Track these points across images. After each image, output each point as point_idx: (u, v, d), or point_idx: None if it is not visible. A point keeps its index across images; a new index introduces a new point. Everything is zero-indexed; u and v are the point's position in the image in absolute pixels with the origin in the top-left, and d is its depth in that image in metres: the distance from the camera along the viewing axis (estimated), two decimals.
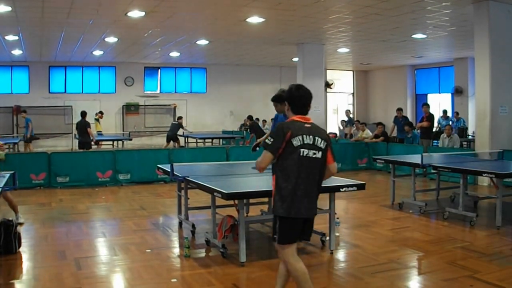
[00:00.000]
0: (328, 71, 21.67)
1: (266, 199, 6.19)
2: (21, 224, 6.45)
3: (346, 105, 23.32)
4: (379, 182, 10.87)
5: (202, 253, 5.46)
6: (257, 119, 18.65)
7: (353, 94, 24.04)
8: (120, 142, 16.41)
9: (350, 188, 5.23)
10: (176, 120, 16.80)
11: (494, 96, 9.65)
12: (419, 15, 10.73)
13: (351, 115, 20.06)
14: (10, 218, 5.70)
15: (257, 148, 6.19)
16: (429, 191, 9.05)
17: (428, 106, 12.75)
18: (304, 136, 3.50)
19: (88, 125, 13.21)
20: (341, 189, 5.22)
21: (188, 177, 5.71)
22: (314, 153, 3.51)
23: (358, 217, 7.39)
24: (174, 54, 17.44)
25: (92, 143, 13.58)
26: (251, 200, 6.20)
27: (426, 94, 21.32)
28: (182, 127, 16.41)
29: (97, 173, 10.18)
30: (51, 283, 4.41)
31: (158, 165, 7.19)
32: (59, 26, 11.75)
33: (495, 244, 5.65)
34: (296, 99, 3.64)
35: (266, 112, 19.52)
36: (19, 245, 5.41)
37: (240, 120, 20.88)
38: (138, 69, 20.46)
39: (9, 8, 9.60)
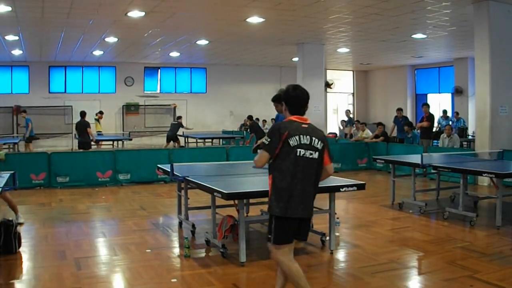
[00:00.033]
0: (328, 71, 21.67)
1: (266, 199, 6.10)
2: (21, 224, 6.45)
3: (346, 105, 23.32)
4: (379, 182, 10.87)
5: (202, 253, 5.46)
6: (257, 119, 18.65)
7: (353, 94, 24.05)
8: (120, 142, 16.40)
9: (350, 188, 5.24)
10: (175, 120, 16.80)
11: (494, 96, 9.65)
12: (419, 15, 10.73)
13: (351, 115, 20.05)
14: (10, 218, 5.70)
15: (258, 150, 6.19)
16: (429, 191, 9.05)
17: (428, 106, 12.75)
18: (301, 136, 3.51)
19: (88, 125, 13.20)
20: (341, 189, 5.23)
21: (188, 177, 5.71)
22: (311, 154, 3.52)
23: (358, 217, 7.39)
24: (174, 54, 17.44)
25: (92, 142, 13.57)
26: (251, 200, 6.19)
27: (426, 94, 21.33)
28: (183, 126, 16.39)
29: (97, 173, 10.18)
30: (51, 283, 4.41)
31: (158, 165, 7.19)
32: (59, 26, 11.75)
33: (495, 244, 5.65)
34: (293, 100, 3.65)
35: (266, 112, 19.53)
36: (19, 245, 5.41)
37: (240, 120, 20.88)
38: (138, 69, 20.46)
39: (9, 8, 9.60)
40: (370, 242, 5.79)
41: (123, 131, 19.78)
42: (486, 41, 9.61)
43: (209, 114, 21.46)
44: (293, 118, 3.60)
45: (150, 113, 20.69)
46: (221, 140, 18.12)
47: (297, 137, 3.49)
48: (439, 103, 20.04)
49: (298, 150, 3.48)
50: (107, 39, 13.82)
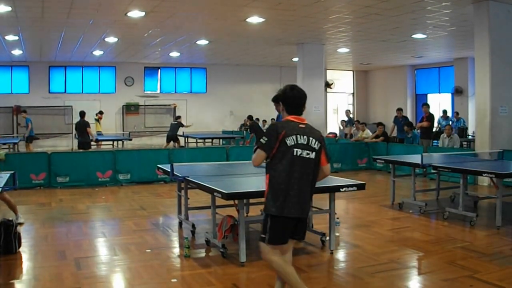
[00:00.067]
0: (328, 71, 21.67)
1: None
2: (21, 224, 6.44)
3: (346, 105, 23.33)
4: (379, 182, 10.87)
5: (202, 253, 5.46)
6: (257, 119, 18.66)
7: (353, 94, 24.05)
8: (120, 142, 16.42)
9: (350, 188, 5.24)
10: (175, 120, 16.79)
11: (494, 96, 9.65)
12: (419, 15, 10.73)
13: (351, 115, 20.06)
14: (10, 218, 5.70)
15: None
16: (429, 191, 9.05)
17: (428, 106, 12.75)
18: (298, 136, 3.52)
19: (87, 124, 13.20)
20: (341, 189, 5.23)
21: (188, 177, 5.71)
22: (308, 153, 3.54)
23: (358, 217, 7.40)
24: (174, 54, 17.45)
25: (93, 142, 13.57)
26: (251, 200, 6.19)
27: (426, 94, 21.33)
28: (183, 126, 16.38)
29: (97, 173, 10.18)
30: (51, 283, 4.41)
31: (158, 165, 7.19)
32: (59, 26, 11.75)
33: (495, 244, 5.65)
34: (290, 100, 3.66)
35: (266, 112, 19.54)
36: (19, 245, 5.41)
37: (240, 120, 20.88)
38: (138, 69, 20.46)
39: (9, 8, 9.60)
40: (370, 242, 5.79)
41: (123, 131, 19.78)
42: (486, 41, 9.61)
43: (209, 114, 21.45)
44: (290, 118, 3.62)
45: (150, 113, 20.69)
46: (221, 140, 18.12)
47: (294, 137, 3.51)
48: (439, 103, 20.04)
49: (295, 150, 3.50)
50: (107, 39, 13.82)
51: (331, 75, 22.45)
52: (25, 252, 5.41)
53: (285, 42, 14.83)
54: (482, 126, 9.92)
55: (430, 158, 8.02)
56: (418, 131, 12.58)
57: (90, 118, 14.52)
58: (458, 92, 18.65)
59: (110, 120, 19.66)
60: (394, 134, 14.18)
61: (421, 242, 5.78)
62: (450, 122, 16.44)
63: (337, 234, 5.67)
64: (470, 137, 16.41)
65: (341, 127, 19.56)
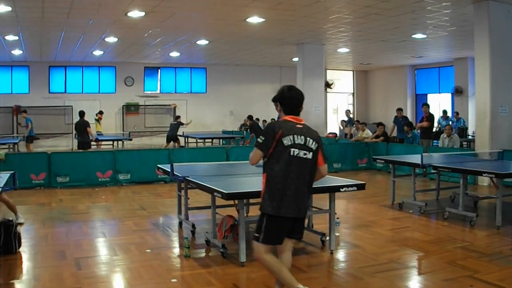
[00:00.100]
0: (328, 71, 21.67)
1: None
2: (21, 224, 6.44)
3: (346, 105, 23.32)
4: (379, 182, 10.87)
5: (202, 253, 5.46)
6: (257, 119, 18.66)
7: (353, 94, 24.05)
8: (120, 142, 16.42)
9: (350, 188, 5.24)
10: (174, 120, 16.78)
11: (494, 96, 9.65)
12: (419, 15, 10.73)
13: (351, 115, 20.05)
14: (10, 218, 5.70)
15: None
16: (429, 191, 9.05)
17: (428, 106, 12.76)
18: (295, 136, 3.54)
19: (87, 124, 13.20)
20: (341, 189, 5.23)
21: (188, 177, 5.71)
22: (305, 154, 3.55)
23: (358, 217, 7.40)
24: (174, 54, 17.44)
25: (92, 142, 13.58)
26: (251, 200, 6.18)
27: (426, 94, 21.33)
28: (182, 124, 16.37)
29: (97, 173, 10.17)
30: (51, 283, 4.41)
31: (158, 165, 7.19)
32: (59, 26, 11.75)
33: (495, 244, 5.65)
34: (288, 100, 3.69)
35: (266, 112, 19.54)
36: (19, 245, 5.41)
37: (240, 120, 20.88)
38: (138, 69, 20.46)
39: (9, 8, 9.60)
40: (370, 242, 5.79)
41: (123, 131, 19.79)
42: (486, 41, 9.61)
43: (209, 114, 21.46)
44: (288, 118, 3.64)
45: (150, 113, 20.69)
46: (221, 140, 18.12)
47: (291, 137, 3.52)
48: (439, 103, 20.04)
49: (292, 149, 3.51)
50: (107, 39, 13.82)
51: (331, 75, 22.45)
52: (25, 252, 5.41)
53: (285, 42, 14.83)
54: (482, 126, 9.92)
55: (430, 158, 8.02)
56: (418, 131, 12.59)
57: (90, 118, 14.52)
58: (458, 92, 18.65)
59: (110, 120, 19.67)
60: (394, 134, 14.19)
61: (421, 242, 5.78)
62: (450, 122, 16.44)
63: (337, 234, 5.67)
64: (470, 137, 16.41)
65: (341, 127, 19.57)
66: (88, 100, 19.26)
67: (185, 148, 15.31)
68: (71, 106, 18.94)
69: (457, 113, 17.94)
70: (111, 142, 16.18)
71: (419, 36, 13.39)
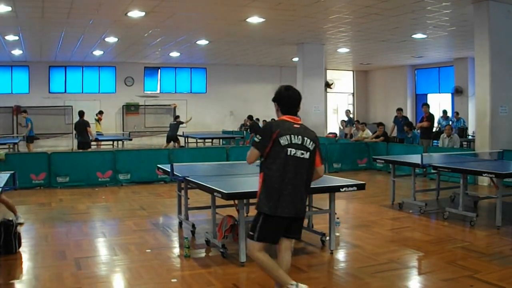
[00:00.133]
0: (328, 71, 21.67)
1: None
2: (21, 224, 6.44)
3: (346, 105, 23.33)
4: (379, 182, 10.87)
5: (202, 253, 5.46)
6: (257, 119, 18.66)
7: (353, 94, 24.05)
8: (120, 142, 16.42)
9: (350, 188, 5.23)
10: (174, 120, 16.76)
11: (494, 96, 9.65)
12: (419, 15, 10.73)
13: (351, 115, 20.06)
14: (10, 218, 5.70)
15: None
16: (429, 191, 9.05)
17: (428, 106, 12.76)
18: (292, 136, 3.55)
19: (87, 124, 13.20)
20: (341, 189, 5.22)
21: (188, 177, 5.71)
22: (302, 153, 3.56)
23: (358, 217, 7.40)
24: (174, 54, 17.45)
25: (92, 141, 13.59)
26: (251, 200, 6.17)
27: (426, 94, 21.33)
28: (182, 123, 16.35)
29: (97, 173, 10.17)
30: (51, 283, 4.41)
31: (158, 165, 7.18)
32: (59, 26, 11.75)
33: (495, 244, 5.65)
34: (285, 100, 3.69)
35: (266, 112, 19.53)
36: (19, 245, 5.41)
37: (240, 120, 20.89)
38: (138, 69, 20.46)
39: (9, 8, 9.60)
40: (370, 242, 5.79)
41: (123, 131, 19.79)
42: (486, 41, 9.61)
43: (209, 114, 21.46)
44: (285, 117, 3.65)
45: (150, 113, 20.70)
46: (221, 140, 18.12)
47: (288, 137, 3.53)
48: (439, 103, 20.04)
49: (289, 149, 3.52)
50: (107, 39, 13.83)
51: (331, 75, 22.45)
52: (25, 252, 5.41)
53: (285, 42, 14.84)
54: (482, 126, 9.92)
55: (430, 158, 8.02)
56: (418, 131, 12.59)
57: (90, 118, 14.51)
58: (458, 92, 18.65)
59: (110, 120, 19.67)
60: (394, 134, 14.19)
61: (421, 242, 5.78)
62: (450, 122, 16.44)
63: (337, 234, 5.67)
64: (470, 137, 16.41)
65: (341, 127, 19.58)
66: (88, 100, 19.25)
67: (185, 148, 15.31)
68: (71, 106, 18.94)
69: (457, 113, 17.95)
70: (111, 142, 16.19)
71: (419, 36, 13.39)
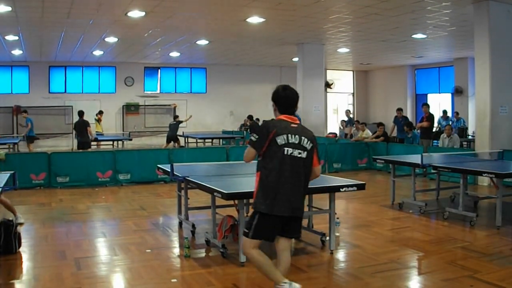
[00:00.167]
0: (328, 71, 21.67)
1: None
2: (21, 224, 6.44)
3: (346, 105, 23.33)
4: (379, 182, 10.87)
5: (202, 253, 5.46)
6: (257, 119, 18.65)
7: (353, 94, 24.05)
8: (120, 142, 16.42)
9: (350, 188, 5.23)
10: (173, 119, 16.74)
11: (494, 96, 9.65)
12: (419, 15, 10.73)
13: (351, 115, 20.06)
14: (10, 218, 5.70)
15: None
16: (429, 191, 9.05)
17: (428, 106, 12.77)
18: (289, 135, 3.55)
19: (87, 124, 13.21)
20: (341, 189, 5.22)
21: (188, 177, 5.71)
22: (299, 153, 3.56)
23: (358, 217, 7.40)
24: (174, 54, 17.45)
25: (92, 141, 13.59)
26: (251, 200, 6.18)
27: (426, 94, 21.33)
28: (182, 121, 16.33)
29: (97, 173, 10.17)
30: (51, 283, 4.41)
31: (158, 165, 7.18)
32: (59, 26, 11.75)
33: (495, 244, 5.65)
34: (283, 100, 3.71)
35: (266, 112, 19.45)
36: (19, 245, 5.41)
37: (240, 120, 20.88)
38: (138, 69, 20.46)
39: (9, 8, 9.60)
40: (370, 242, 5.79)
41: (123, 131, 19.79)
42: (486, 41, 9.61)
43: (209, 114, 21.46)
44: (282, 117, 3.67)
45: (150, 113, 20.70)
46: (221, 140, 18.12)
47: (284, 136, 3.54)
48: (439, 103, 20.05)
49: (286, 149, 3.53)
50: (107, 39, 13.82)
51: (331, 75, 22.45)
52: (25, 252, 5.41)
53: (285, 42, 14.83)
54: (482, 126, 9.92)
55: (430, 158, 8.02)
56: (418, 131, 12.59)
57: (90, 118, 14.52)
58: (458, 92, 18.65)
59: (110, 120, 19.67)
60: (394, 134, 14.19)
61: (421, 242, 5.78)
62: (450, 122, 16.44)
63: (337, 234, 5.67)
64: (470, 137, 16.41)
65: (341, 127, 19.59)
66: (88, 100, 19.26)
67: (185, 148, 15.31)
68: (71, 106, 18.93)
69: (457, 113, 17.95)
70: (111, 142, 16.19)
71: (419, 36, 13.39)
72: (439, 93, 20.66)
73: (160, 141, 18.96)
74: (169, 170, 6.01)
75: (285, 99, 3.70)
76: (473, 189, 9.15)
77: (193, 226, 6.11)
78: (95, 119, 16.69)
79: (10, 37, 13.04)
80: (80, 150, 12.57)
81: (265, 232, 3.58)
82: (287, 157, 3.52)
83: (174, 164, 6.27)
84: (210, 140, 17.63)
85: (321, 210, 5.75)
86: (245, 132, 18.76)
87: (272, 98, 3.76)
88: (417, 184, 8.24)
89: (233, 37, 13.95)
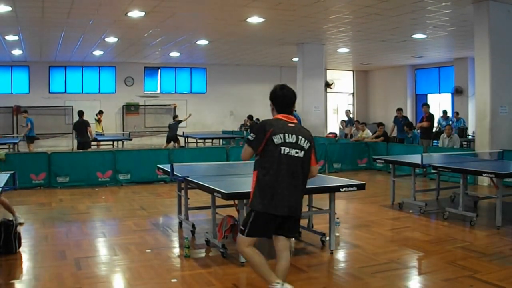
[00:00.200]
0: (328, 71, 21.67)
1: None
2: (21, 224, 6.44)
3: (346, 105, 23.33)
4: (379, 182, 10.87)
5: (202, 253, 5.46)
6: (257, 119, 18.63)
7: (353, 94, 24.05)
8: (120, 142, 16.42)
9: (350, 188, 5.23)
10: (173, 119, 16.73)
11: (494, 96, 9.65)
12: (419, 15, 10.73)
13: (351, 115, 20.07)
14: (10, 218, 5.70)
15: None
16: (429, 191, 9.05)
17: (428, 106, 12.77)
18: (286, 134, 3.56)
19: (88, 124, 13.21)
20: (341, 189, 5.22)
21: (188, 177, 5.71)
22: (297, 152, 3.57)
23: (358, 217, 7.39)
24: (174, 54, 17.45)
25: (92, 141, 13.60)
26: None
27: (426, 94, 21.33)
28: (181, 121, 16.31)
29: (97, 173, 10.17)
30: (51, 283, 4.41)
31: (158, 165, 7.19)
32: (59, 26, 11.75)
33: (495, 244, 5.65)
34: (280, 99, 3.72)
35: (266, 112, 19.37)
36: (19, 245, 5.41)
37: (240, 120, 20.88)
38: (138, 69, 20.46)
39: (9, 8, 9.60)
40: (370, 242, 5.79)
41: (123, 131, 19.79)
42: (486, 41, 9.61)
43: (209, 114, 21.46)
44: (280, 116, 3.67)
45: (150, 113, 20.70)
46: (221, 140, 18.12)
47: (281, 135, 3.54)
48: (439, 103, 20.05)
49: (283, 148, 3.53)
50: (107, 39, 13.82)
51: (331, 75, 22.45)
52: (25, 252, 5.41)
53: (285, 42, 14.83)
54: (482, 126, 9.92)
55: (430, 158, 8.01)
56: (418, 131, 12.59)
57: (90, 118, 14.51)
58: (458, 92, 18.65)
59: (110, 120, 19.67)
60: (394, 134, 14.19)
61: (421, 242, 5.78)
62: (450, 122, 16.44)
63: (337, 234, 5.67)
64: (470, 137, 16.41)
65: (341, 127, 19.59)
66: (88, 100, 19.26)
67: (185, 148, 15.31)
68: (71, 106, 18.93)
69: (457, 113, 17.95)
70: (111, 142, 16.18)
71: (419, 36, 13.39)
72: (439, 93, 20.67)
73: (160, 141, 18.96)
74: (169, 170, 6.01)
75: (283, 99, 3.70)
76: (473, 189, 9.15)
77: (193, 226, 6.11)
78: (95, 119, 16.69)
79: (10, 37, 13.04)
80: (80, 150, 12.57)
81: (261, 230, 3.60)
82: (283, 156, 3.52)
83: (174, 164, 6.27)
84: (210, 140, 17.63)
85: (321, 210, 5.75)
86: (245, 132, 18.76)
87: (270, 98, 3.77)
88: (417, 184, 8.24)
89: (233, 37, 13.95)
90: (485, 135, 9.80)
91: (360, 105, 23.90)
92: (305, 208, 5.65)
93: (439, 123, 17.17)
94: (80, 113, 13.32)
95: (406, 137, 12.84)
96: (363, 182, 5.39)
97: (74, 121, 14.31)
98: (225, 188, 4.84)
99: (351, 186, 5.24)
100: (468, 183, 8.31)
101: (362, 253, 5.36)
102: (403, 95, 21.56)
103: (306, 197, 5.64)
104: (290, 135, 3.56)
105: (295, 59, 16.17)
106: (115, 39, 13.90)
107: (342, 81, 23.42)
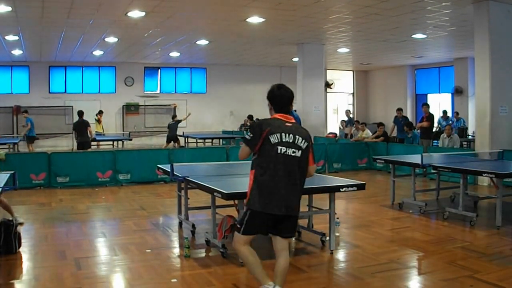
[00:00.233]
0: (328, 71, 21.66)
1: None
2: (21, 224, 6.43)
3: (346, 105, 23.32)
4: (379, 182, 10.87)
5: (202, 253, 5.46)
6: (257, 119, 18.62)
7: (353, 94, 24.05)
8: (120, 142, 16.42)
9: (350, 188, 5.23)
10: (172, 119, 16.72)
11: (494, 96, 9.65)
12: (419, 15, 10.73)
13: (351, 115, 20.06)
14: (10, 218, 5.70)
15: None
16: (429, 191, 9.05)
17: (428, 106, 12.77)
18: (283, 134, 3.56)
19: (88, 124, 13.22)
20: (341, 189, 5.22)
21: (188, 177, 5.71)
22: (294, 152, 3.57)
23: (358, 217, 7.40)
24: (174, 54, 17.44)
25: (92, 141, 13.61)
26: None
27: (426, 94, 21.32)
28: (180, 121, 16.30)
29: (97, 173, 10.17)
30: (51, 283, 4.41)
31: (158, 165, 7.19)
32: (59, 26, 11.75)
33: (495, 244, 5.65)
34: (278, 98, 3.72)
35: (266, 112, 19.34)
36: (19, 245, 5.41)
37: (240, 120, 20.87)
38: (138, 69, 20.46)
39: (9, 8, 9.60)
40: (370, 242, 5.79)
41: (123, 131, 19.79)
42: (486, 41, 9.61)
43: (209, 114, 21.46)
44: (277, 116, 3.68)
45: (150, 113, 20.69)
46: (221, 140, 18.11)
47: (278, 135, 3.54)
48: (439, 103, 20.04)
49: (279, 147, 3.53)
50: (107, 39, 13.82)
51: (331, 75, 22.44)
52: (25, 252, 5.41)
53: (285, 42, 14.83)
54: (482, 126, 9.92)
55: (430, 158, 8.02)
56: (418, 131, 12.59)
57: (90, 118, 14.51)
58: (458, 92, 18.65)
59: (110, 120, 19.67)
60: (394, 134, 14.19)
61: (421, 242, 5.78)
62: (450, 122, 16.44)
63: (337, 234, 5.67)
64: (470, 137, 16.41)
65: (341, 127, 19.59)
66: (88, 100, 19.25)
67: (185, 148, 15.31)
68: (71, 106, 18.92)
69: (457, 113, 17.95)
70: (111, 142, 16.18)
71: (419, 36, 13.39)
72: (439, 93, 20.66)
73: (160, 141, 18.96)
74: (169, 170, 6.01)
75: (280, 98, 3.71)
76: (473, 189, 9.15)
77: (193, 226, 6.11)
78: (95, 119, 16.69)
79: (10, 37, 13.04)
80: (80, 150, 12.57)
81: (256, 228, 3.61)
82: (280, 155, 3.53)
83: (174, 164, 6.27)
84: (210, 140, 17.62)
85: (321, 210, 5.74)
86: (245, 132, 18.75)
87: (267, 97, 3.77)
88: (417, 184, 8.24)
89: (233, 37, 13.95)
90: (485, 135, 9.80)
91: (360, 105, 23.89)
92: (305, 208, 5.67)
93: (439, 123, 17.17)
94: (80, 113, 13.31)
95: (406, 137, 12.84)
96: (363, 182, 5.39)
97: (74, 121, 14.30)
98: (225, 188, 4.84)
99: (351, 186, 5.24)
100: (468, 183, 8.31)
101: (362, 253, 5.36)
102: (403, 95, 21.56)
103: (306, 197, 5.67)
104: (287, 135, 3.56)
105: (295, 59, 16.18)
106: (115, 39, 13.90)
107: (342, 81, 23.42)
